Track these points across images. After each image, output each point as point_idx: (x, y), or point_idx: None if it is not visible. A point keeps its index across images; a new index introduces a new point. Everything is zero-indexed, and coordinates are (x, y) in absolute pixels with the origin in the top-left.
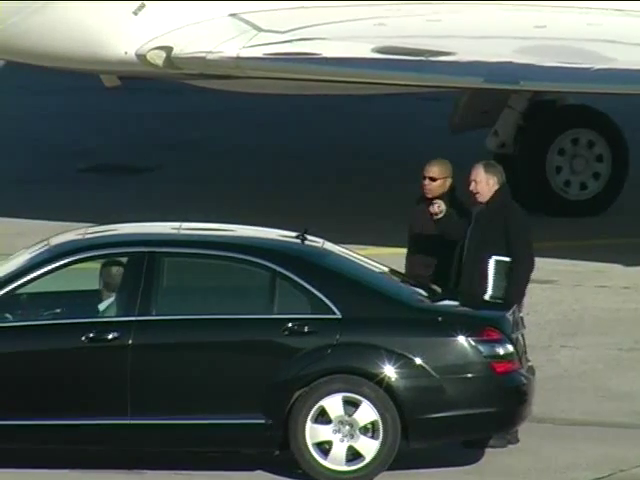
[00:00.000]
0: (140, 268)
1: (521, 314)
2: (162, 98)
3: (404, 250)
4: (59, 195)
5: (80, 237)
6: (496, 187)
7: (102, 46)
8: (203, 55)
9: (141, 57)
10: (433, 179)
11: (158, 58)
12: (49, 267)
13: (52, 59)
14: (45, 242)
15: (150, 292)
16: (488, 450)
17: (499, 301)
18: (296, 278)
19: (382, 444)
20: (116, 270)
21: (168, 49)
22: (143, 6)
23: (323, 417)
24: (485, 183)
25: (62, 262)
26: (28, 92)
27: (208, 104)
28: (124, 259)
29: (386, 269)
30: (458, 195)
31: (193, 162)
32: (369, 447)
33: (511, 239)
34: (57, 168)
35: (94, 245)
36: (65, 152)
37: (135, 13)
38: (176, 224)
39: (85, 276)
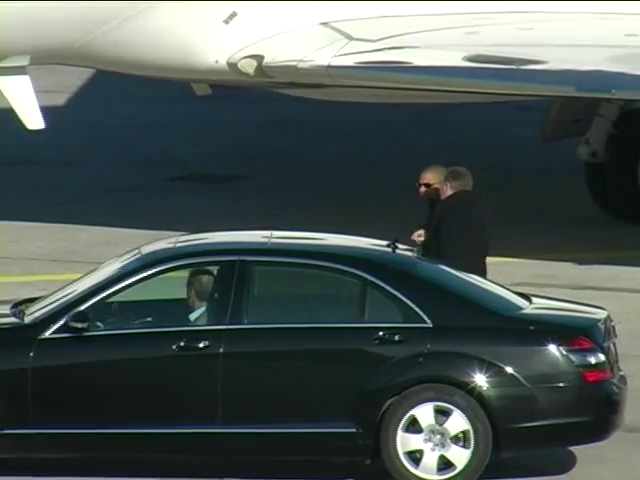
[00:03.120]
0: (231, 277)
1: (612, 323)
2: (252, 106)
3: (498, 259)
4: (150, 204)
5: (171, 246)
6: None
7: (193, 55)
8: (294, 64)
9: (232, 66)
10: (428, 185)
11: (249, 67)
12: (140, 276)
13: (143, 68)
14: (136, 251)
15: (241, 301)
16: (578, 459)
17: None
18: (387, 287)
19: (473, 453)
20: (207, 279)
21: (259, 58)
22: (234, 14)
23: (414, 426)
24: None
25: (153, 271)
26: (119, 101)
27: (298, 112)
28: (215, 268)
29: (477, 278)
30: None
31: (283, 170)
32: (460, 456)
33: None
34: (148, 177)
35: (185, 254)
36: (156, 161)
37: (226, 22)
38: (266, 233)
39: (175, 284)
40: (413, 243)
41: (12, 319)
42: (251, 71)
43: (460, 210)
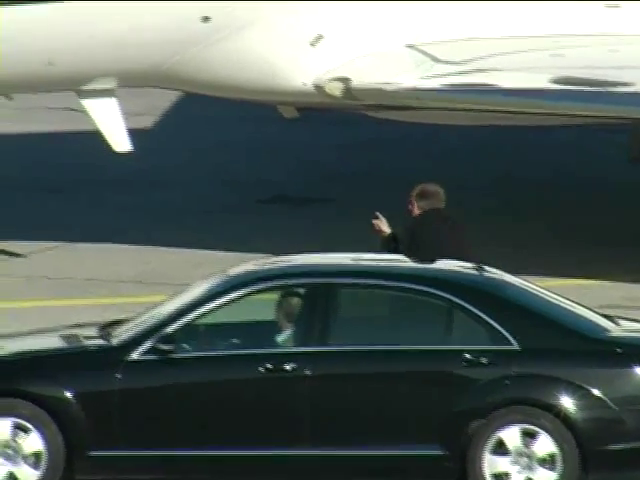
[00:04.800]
0: (318, 299)
1: None
2: (339, 128)
3: (583, 281)
4: (238, 225)
5: (259, 267)
6: None
7: (280, 77)
8: (381, 86)
9: (319, 88)
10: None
11: (336, 89)
12: (228, 298)
13: (230, 90)
14: (224, 272)
15: (328, 323)
16: None
17: None
18: (473, 309)
19: (561, 476)
20: (294, 301)
21: (346, 80)
22: (320, 37)
23: (501, 448)
24: None
25: (241, 293)
26: (207, 122)
27: (384, 133)
28: (302, 290)
29: (563, 300)
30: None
31: (369, 192)
32: (547, 479)
33: None
34: (236, 198)
35: (273, 276)
36: (244, 182)
37: (313, 44)
38: (353, 255)
39: (263, 306)
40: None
41: (99, 341)
42: (338, 93)
43: (428, 228)
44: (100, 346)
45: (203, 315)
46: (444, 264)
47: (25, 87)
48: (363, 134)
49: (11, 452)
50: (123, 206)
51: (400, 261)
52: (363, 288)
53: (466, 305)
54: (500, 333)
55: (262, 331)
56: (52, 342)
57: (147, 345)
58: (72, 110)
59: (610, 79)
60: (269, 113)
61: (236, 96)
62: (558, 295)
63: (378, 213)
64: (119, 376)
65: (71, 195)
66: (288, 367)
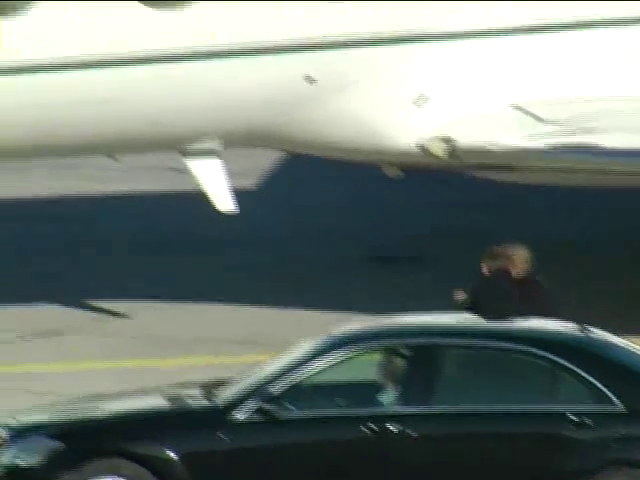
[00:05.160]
0: (422, 359)
1: None
2: (442, 187)
3: None
4: (341, 285)
5: (362, 328)
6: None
7: (384, 137)
8: (485, 146)
9: (423, 148)
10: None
11: (440, 149)
12: (331, 358)
13: (334, 150)
14: (327, 332)
15: (432, 383)
16: None
17: None
18: (577, 370)
19: None
20: (398, 361)
21: (450, 140)
22: (425, 97)
23: None
24: None
25: (344, 353)
26: (310, 182)
27: (488, 193)
28: (406, 350)
29: None
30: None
31: (472, 251)
32: None
33: None
34: (339, 257)
35: (376, 336)
36: (347, 242)
37: (417, 104)
38: (456, 315)
39: (365, 366)
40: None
41: (203, 401)
42: (442, 153)
43: (492, 289)
44: (204, 406)
45: (307, 375)
46: (548, 324)
47: (130, 147)
48: (467, 193)
49: None
50: (227, 266)
51: (503, 321)
52: (467, 349)
53: (570, 366)
54: (605, 394)
55: (366, 391)
56: (156, 402)
57: (251, 405)
58: (176, 170)
59: None
60: (373, 172)
61: (340, 156)
62: None
63: (459, 292)
64: (223, 436)
65: (174, 255)
66: (392, 428)
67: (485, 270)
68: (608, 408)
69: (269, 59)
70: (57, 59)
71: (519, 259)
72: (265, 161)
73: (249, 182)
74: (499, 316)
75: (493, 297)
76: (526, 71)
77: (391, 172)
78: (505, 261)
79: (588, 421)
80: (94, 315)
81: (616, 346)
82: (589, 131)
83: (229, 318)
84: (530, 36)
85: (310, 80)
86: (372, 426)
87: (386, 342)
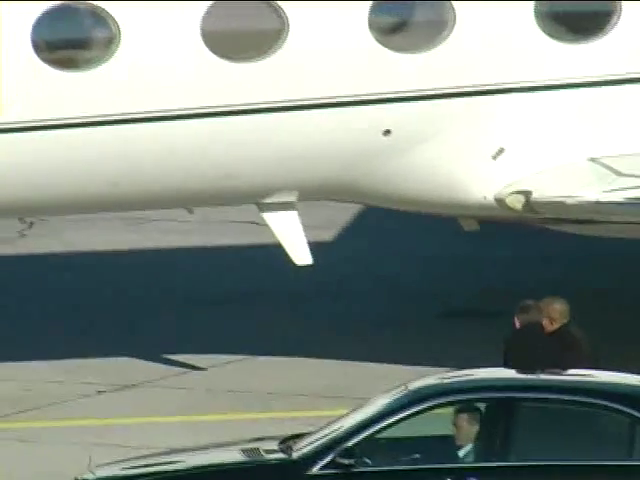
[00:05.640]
0: (499, 413)
1: None
2: (518, 241)
3: None
4: (418, 338)
5: (439, 381)
6: None
7: (461, 191)
8: (562, 199)
9: (500, 201)
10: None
11: (517, 202)
12: (408, 412)
13: (410, 203)
14: (404, 386)
15: (509, 437)
16: None
17: None
18: None
19: None
20: (475, 415)
21: (527, 193)
22: (502, 150)
23: None
24: None
25: (422, 407)
26: (386, 235)
27: (567, 247)
28: (483, 404)
29: None
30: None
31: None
32: None
33: None
34: (415, 311)
35: (453, 390)
36: (421, 295)
37: (494, 157)
38: (532, 369)
39: (443, 420)
40: None
41: (280, 455)
42: (519, 207)
43: (523, 342)
44: (281, 460)
45: (384, 429)
46: (624, 378)
47: (207, 200)
48: (543, 247)
49: None
50: (304, 319)
51: (579, 375)
52: (544, 402)
53: None
54: None
55: (443, 445)
56: (233, 456)
57: (328, 459)
58: (253, 223)
59: None
60: (449, 225)
61: (416, 209)
62: None
63: None
64: None
65: (251, 308)
66: None
67: (517, 323)
68: None
69: (348, 112)
70: (138, 112)
71: (554, 312)
72: (343, 213)
73: (327, 235)
74: (575, 370)
75: (523, 350)
76: (605, 124)
77: (468, 225)
78: (537, 314)
79: None
80: (172, 368)
81: None
82: None
83: (306, 371)
84: (608, 89)
85: (388, 133)
86: None
87: (463, 396)
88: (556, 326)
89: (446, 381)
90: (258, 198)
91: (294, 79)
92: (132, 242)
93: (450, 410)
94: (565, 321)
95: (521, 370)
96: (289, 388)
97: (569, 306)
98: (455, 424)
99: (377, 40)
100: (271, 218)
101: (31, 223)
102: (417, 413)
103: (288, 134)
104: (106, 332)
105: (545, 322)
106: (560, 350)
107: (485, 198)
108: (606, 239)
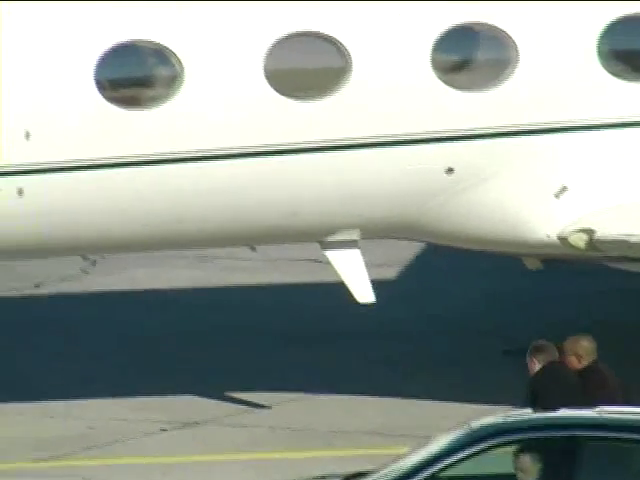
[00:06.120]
0: (562, 451)
1: None
2: (582, 279)
3: None
4: (481, 377)
5: (501, 420)
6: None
7: (524, 229)
8: (626, 237)
9: (563, 240)
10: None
11: (580, 241)
12: (471, 450)
13: (473, 241)
14: (465, 425)
15: (573, 476)
16: None
17: None
18: None
19: None
20: (537, 453)
21: (590, 232)
22: (565, 189)
23: None
24: None
25: (483, 446)
26: (449, 273)
27: (628, 285)
28: (546, 442)
29: None
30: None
31: (611, 344)
32: None
33: None
34: (480, 350)
35: (517, 428)
36: (487, 333)
37: (557, 196)
38: (597, 407)
39: (505, 459)
40: None
41: None
42: (582, 245)
43: (548, 382)
44: None
45: (446, 468)
46: None
47: (270, 238)
48: (606, 285)
49: None
50: (366, 357)
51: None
52: (609, 441)
53: None
54: None
55: None
56: None
57: None
58: (315, 261)
59: None
60: (512, 263)
61: (478, 247)
62: None
63: None
64: None
65: (312, 346)
66: None
67: (534, 364)
68: None
69: (411, 150)
70: (203, 150)
71: (582, 349)
72: (406, 251)
73: (389, 273)
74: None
75: (554, 389)
76: None
77: (530, 263)
78: (554, 353)
79: None
80: (235, 406)
81: None
82: None
83: (368, 410)
84: None
85: (451, 172)
86: None
87: (525, 435)
88: (584, 363)
89: (509, 420)
90: (321, 236)
91: (357, 117)
92: (196, 279)
93: (513, 449)
94: (593, 358)
95: (580, 408)
96: (351, 426)
97: (596, 343)
98: (518, 463)
99: (440, 78)
100: (334, 256)
101: (94, 260)
102: (479, 452)
103: (351, 172)
104: (170, 369)
105: (572, 360)
106: (593, 388)
107: (548, 236)
108: None
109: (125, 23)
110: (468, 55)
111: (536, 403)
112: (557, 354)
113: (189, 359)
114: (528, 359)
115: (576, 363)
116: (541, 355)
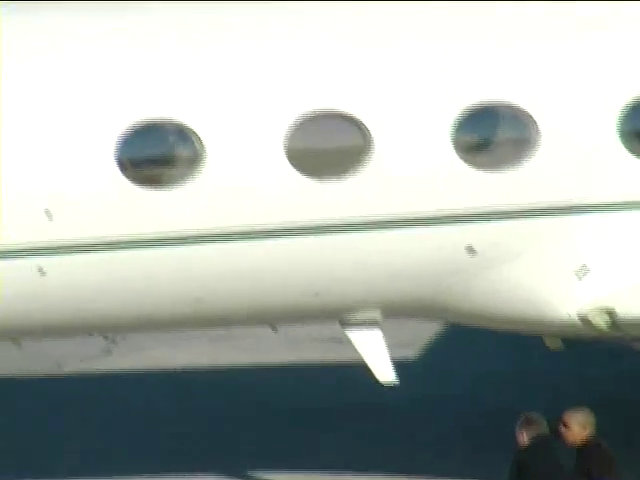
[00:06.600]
0: None
1: None
2: (604, 359)
3: None
4: (494, 459)
5: None
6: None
7: (545, 309)
8: None
9: (584, 320)
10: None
11: (601, 321)
12: None
13: (494, 321)
14: None
15: None
16: None
17: None
18: None
19: None
20: None
21: (611, 312)
22: (585, 268)
23: None
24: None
25: None
26: (471, 352)
27: None
28: None
29: None
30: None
31: (634, 425)
32: None
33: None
34: (493, 430)
35: None
36: (507, 412)
37: (578, 275)
38: None
39: None
40: None
41: None
42: (603, 325)
43: (540, 456)
44: None
45: None
46: None
47: (291, 317)
48: (630, 365)
49: None
50: (388, 437)
51: None
52: None
53: None
54: None
55: None
56: None
57: None
58: (337, 341)
59: None
60: (533, 342)
61: (500, 327)
62: None
63: None
64: None
65: (334, 424)
66: None
67: (523, 436)
68: None
69: (432, 230)
70: (222, 230)
71: (575, 422)
72: (427, 331)
73: (410, 353)
74: None
75: (544, 464)
76: None
77: (552, 343)
78: (544, 426)
79: None
80: None
81: None
82: None
83: None
84: None
85: (472, 251)
86: None
87: None
88: (579, 437)
89: None
90: (342, 315)
91: (378, 197)
92: (215, 359)
93: None
94: (589, 432)
95: None
96: None
97: (593, 417)
98: None
99: (461, 158)
100: (354, 336)
101: (113, 339)
102: None
103: (372, 252)
104: (191, 450)
105: (566, 433)
106: (596, 463)
107: (569, 316)
108: None
109: (146, 102)
110: (489, 134)
111: (521, 477)
112: (547, 428)
113: (209, 439)
114: (517, 431)
115: (570, 436)
116: (531, 428)
